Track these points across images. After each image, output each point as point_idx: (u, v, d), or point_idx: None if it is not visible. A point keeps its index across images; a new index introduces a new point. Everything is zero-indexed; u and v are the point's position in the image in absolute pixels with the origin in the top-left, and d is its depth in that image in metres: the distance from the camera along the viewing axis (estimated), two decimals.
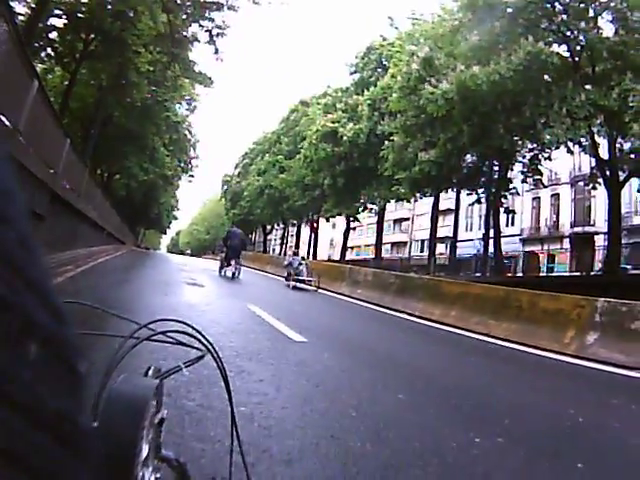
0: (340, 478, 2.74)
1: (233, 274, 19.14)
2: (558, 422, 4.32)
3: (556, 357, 7.82)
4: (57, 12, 25.62)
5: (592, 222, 38.40)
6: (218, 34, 29.60)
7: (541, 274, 36.86)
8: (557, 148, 23.47)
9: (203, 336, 1.16)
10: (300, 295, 15.46)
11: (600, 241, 33.87)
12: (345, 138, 35.51)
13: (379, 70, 39.10)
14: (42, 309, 0.29)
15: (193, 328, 1.17)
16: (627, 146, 20.95)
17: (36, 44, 25.35)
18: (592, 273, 29.85)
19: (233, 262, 19.40)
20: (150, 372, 1.05)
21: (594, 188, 26.51)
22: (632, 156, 20.85)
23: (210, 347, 1.14)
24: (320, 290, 17.34)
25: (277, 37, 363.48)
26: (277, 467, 2.74)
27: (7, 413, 0.25)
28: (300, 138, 46.95)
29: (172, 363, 1.12)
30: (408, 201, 41.20)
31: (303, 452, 3.02)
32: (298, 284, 18.21)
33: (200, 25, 29.81)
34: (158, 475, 1.02)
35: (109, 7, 25.08)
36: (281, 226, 68.37)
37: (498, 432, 3.79)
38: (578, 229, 39.57)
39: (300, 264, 19.00)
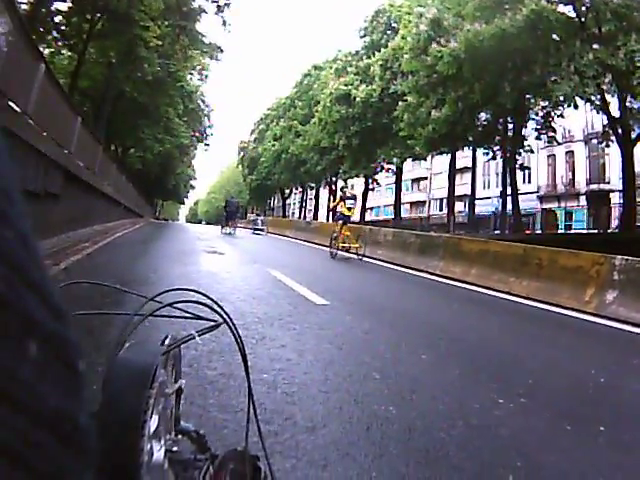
0: (364, 443, 2.72)
1: (230, 232, 25.91)
2: (580, 383, 4.29)
3: (577, 315, 7.79)
4: None
5: (607, 180, 38.02)
6: (225, 4, 29.46)
7: (559, 231, 36.81)
8: (569, 106, 23.42)
9: (217, 304, 1.12)
10: (320, 259, 15.38)
11: (616, 199, 33.48)
12: (358, 99, 35.51)
13: (389, 32, 39.07)
14: (42, 308, 0.29)
15: (207, 296, 1.12)
16: (637, 105, 20.99)
17: (42, 29, 25.54)
18: (609, 231, 29.63)
19: (230, 223, 27.01)
20: (167, 341, 1.01)
21: (607, 146, 26.51)
22: None
23: (225, 315, 1.09)
24: (270, 234, 28.89)
25: (289, 3, 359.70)
26: (300, 435, 2.74)
27: (7, 412, 0.25)
28: (314, 102, 47.11)
29: (190, 331, 1.08)
30: (425, 160, 41.43)
31: (327, 418, 3.02)
32: (255, 232, 30.11)
33: None
34: (175, 448, 0.99)
35: None
36: (299, 190, 68.40)
37: (521, 393, 3.77)
38: (594, 186, 39.15)
39: (256, 220, 32.58)
